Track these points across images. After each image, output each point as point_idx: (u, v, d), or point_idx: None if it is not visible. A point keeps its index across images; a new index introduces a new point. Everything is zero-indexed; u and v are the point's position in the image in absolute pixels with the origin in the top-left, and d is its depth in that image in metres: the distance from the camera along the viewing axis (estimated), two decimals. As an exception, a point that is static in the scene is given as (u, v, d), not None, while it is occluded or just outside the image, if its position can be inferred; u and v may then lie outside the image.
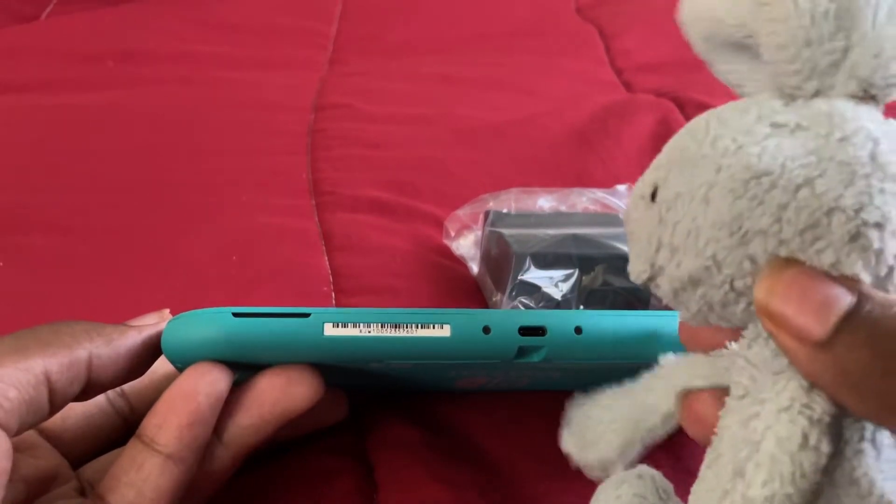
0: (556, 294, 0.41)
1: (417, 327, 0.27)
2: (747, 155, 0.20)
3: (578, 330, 0.29)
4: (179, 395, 0.25)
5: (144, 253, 0.47)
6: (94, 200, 0.52)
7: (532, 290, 0.41)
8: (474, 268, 0.46)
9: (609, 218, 0.47)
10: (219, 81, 0.73)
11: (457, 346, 0.28)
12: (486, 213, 0.47)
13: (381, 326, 0.27)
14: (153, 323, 0.28)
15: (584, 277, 0.41)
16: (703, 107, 0.66)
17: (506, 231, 0.43)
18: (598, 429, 0.27)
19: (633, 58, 0.82)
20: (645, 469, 0.26)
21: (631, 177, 0.54)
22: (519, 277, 0.41)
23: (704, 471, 0.21)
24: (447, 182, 0.56)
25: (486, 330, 0.28)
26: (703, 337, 0.25)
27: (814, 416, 0.19)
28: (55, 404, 0.25)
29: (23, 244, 0.47)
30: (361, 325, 0.27)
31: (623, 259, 0.42)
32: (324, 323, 0.27)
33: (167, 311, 0.30)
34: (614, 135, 0.62)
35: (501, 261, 0.43)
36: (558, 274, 0.41)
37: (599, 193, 0.49)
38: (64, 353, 0.25)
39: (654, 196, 0.23)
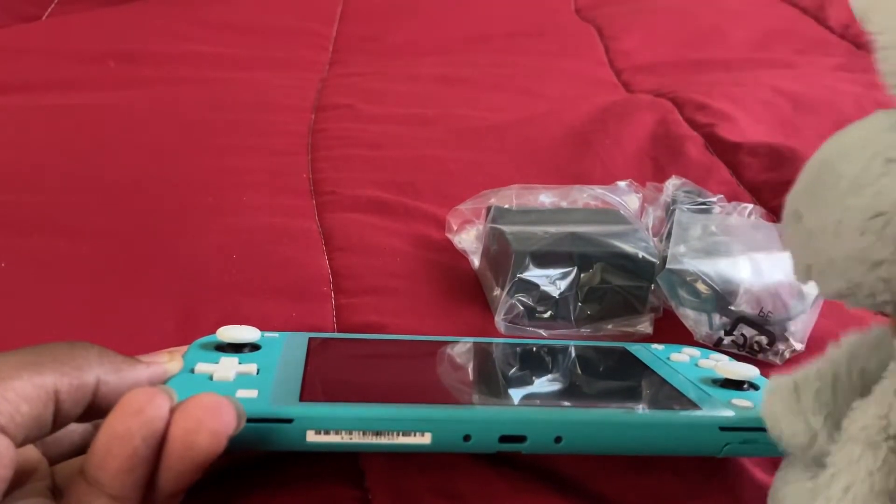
0: (554, 292, 0.41)
1: (398, 435, 0.28)
2: (865, 196, 0.23)
3: (558, 439, 0.29)
4: (116, 438, 0.24)
5: (145, 252, 0.47)
6: (94, 200, 0.52)
7: (530, 287, 0.41)
8: (475, 261, 0.47)
9: (609, 214, 0.47)
10: (220, 82, 0.74)
11: (436, 450, 0.28)
12: (489, 209, 0.47)
13: (363, 434, 0.28)
14: (163, 361, 0.29)
15: (582, 275, 0.42)
16: (701, 107, 0.66)
17: (506, 228, 0.44)
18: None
19: (632, 58, 0.83)
20: None
21: (630, 176, 0.54)
22: (518, 275, 0.41)
23: None
24: (447, 182, 0.57)
25: (467, 438, 0.28)
26: None
27: None
28: (57, 423, 0.25)
29: (24, 245, 0.47)
30: (343, 432, 0.27)
31: (621, 257, 0.43)
32: (306, 430, 0.27)
33: (179, 353, 0.30)
34: (613, 135, 0.62)
35: (501, 258, 0.43)
36: (557, 272, 0.42)
37: (599, 190, 0.49)
38: (75, 375, 0.25)
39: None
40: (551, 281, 0.42)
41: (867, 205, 0.23)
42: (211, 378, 0.29)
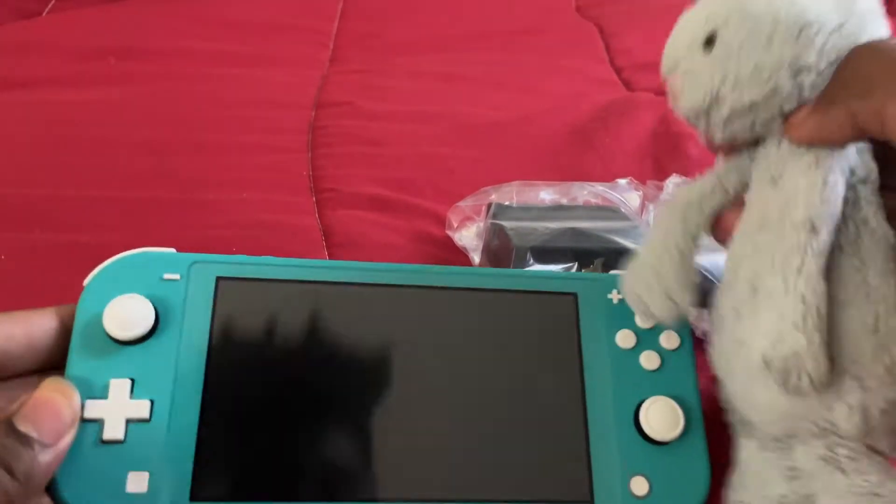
0: (555, 287, 0.41)
1: None
2: (800, 9, 0.27)
3: None
4: None
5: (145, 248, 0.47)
6: (94, 196, 0.52)
7: (531, 283, 0.41)
8: (476, 259, 0.47)
9: (609, 212, 0.47)
10: (220, 78, 0.74)
11: None
12: (489, 206, 0.47)
13: None
14: (66, 426, 0.27)
15: (582, 271, 0.42)
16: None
17: (507, 224, 0.44)
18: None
19: (633, 56, 0.83)
20: None
21: (630, 174, 0.54)
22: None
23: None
24: (447, 179, 0.57)
25: None
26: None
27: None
28: None
29: (24, 239, 0.47)
30: None
31: (621, 253, 0.42)
32: None
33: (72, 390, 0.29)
34: (614, 133, 0.62)
35: (502, 253, 0.43)
36: (557, 267, 0.42)
37: (600, 187, 0.49)
38: None
39: (709, 42, 0.29)
40: (552, 277, 0.42)
41: (799, 14, 0.27)
42: (100, 440, 0.28)
